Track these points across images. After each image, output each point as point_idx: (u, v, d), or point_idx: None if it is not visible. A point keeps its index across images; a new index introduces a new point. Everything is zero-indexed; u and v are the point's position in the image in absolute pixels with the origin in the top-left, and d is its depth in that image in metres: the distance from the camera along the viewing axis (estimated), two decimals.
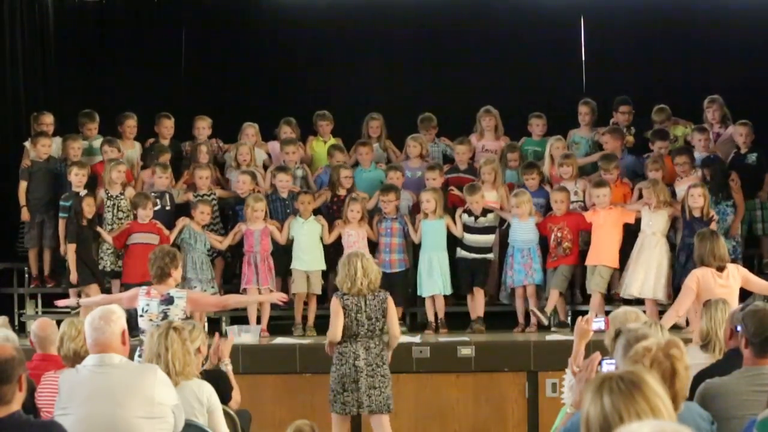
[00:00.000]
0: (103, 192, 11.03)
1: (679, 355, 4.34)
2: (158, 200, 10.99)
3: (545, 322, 10.47)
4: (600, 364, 4.65)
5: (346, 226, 10.78)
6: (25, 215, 11.24)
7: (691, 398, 5.11)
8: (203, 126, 11.89)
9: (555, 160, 11.29)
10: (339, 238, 10.84)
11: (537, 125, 11.88)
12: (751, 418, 4.63)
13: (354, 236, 10.74)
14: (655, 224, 10.39)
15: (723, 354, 6.14)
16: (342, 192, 11.12)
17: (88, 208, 10.55)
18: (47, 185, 11.20)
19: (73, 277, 10.48)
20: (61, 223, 10.86)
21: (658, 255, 10.36)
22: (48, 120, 11.60)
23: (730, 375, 5.20)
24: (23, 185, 11.21)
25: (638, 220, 10.59)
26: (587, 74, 13.37)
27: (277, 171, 11.20)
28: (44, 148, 11.23)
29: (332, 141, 11.99)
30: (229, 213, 11.27)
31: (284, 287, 11.14)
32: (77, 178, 10.83)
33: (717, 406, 4.99)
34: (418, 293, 10.83)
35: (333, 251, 10.80)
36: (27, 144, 11.51)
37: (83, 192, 10.71)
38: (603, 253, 10.55)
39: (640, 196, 10.79)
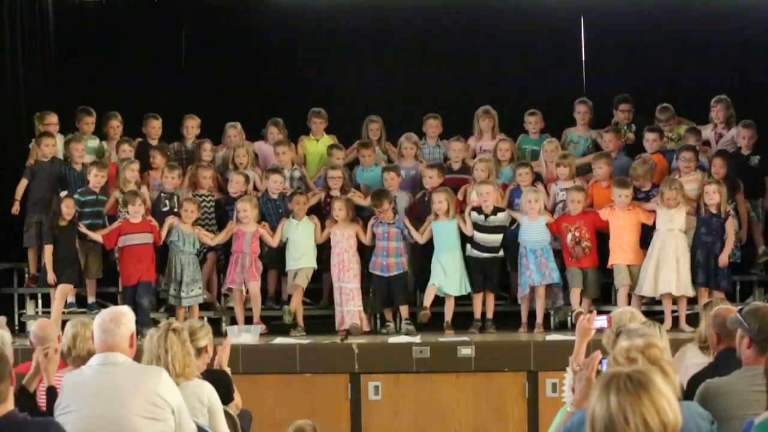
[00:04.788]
0: (118, 192, 11.01)
1: (660, 354, 4.35)
2: (167, 201, 10.98)
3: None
4: (600, 363, 4.64)
5: (333, 226, 10.78)
6: (15, 208, 11.21)
7: (691, 398, 5.10)
8: (192, 125, 11.88)
9: (547, 162, 11.27)
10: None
11: (532, 123, 11.83)
12: (750, 418, 4.62)
13: (339, 236, 10.76)
14: (676, 221, 10.37)
15: (714, 355, 6.12)
16: (335, 192, 11.11)
17: (67, 209, 10.47)
18: (48, 186, 11.17)
19: (50, 277, 10.42)
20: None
21: (683, 251, 10.36)
22: (53, 120, 11.60)
23: (730, 375, 5.18)
24: (23, 182, 11.20)
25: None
26: (587, 74, 13.37)
27: (270, 172, 11.19)
28: (48, 148, 11.21)
29: (326, 140, 11.97)
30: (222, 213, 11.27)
31: (278, 287, 11.17)
32: (96, 179, 10.82)
33: (717, 406, 4.98)
34: (442, 292, 10.71)
35: (321, 250, 10.87)
36: (32, 144, 11.51)
37: (63, 193, 10.68)
38: (628, 253, 10.54)
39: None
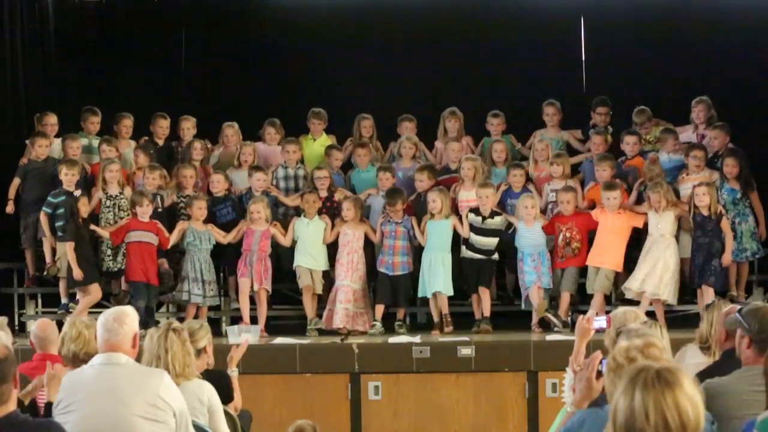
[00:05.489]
0: (101, 192, 11.01)
1: (659, 353, 4.36)
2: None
3: (559, 325, 10.42)
4: (601, 363, 4.64)
5: (343, 226, 10.78)
6: (10, 208, 11.20)
7: None
8: (188, 126, 11.86)
9: (538, 162, 11.28)
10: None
11: (495, 124, 11.82)
12: (750, 418, 4.62)
13: (349, 235, 10.79)
14: (663, 226, 10.38)
15: (719, 355, 6.12)
16: (323, 193, 11.11)
17: (84, 208, 10.51)
18: (43, 185, 11.15)
19: (77, 273, 10.40)
20: (43, 217, 10.79)
21: (667, 256, 10.35)
22: (52, 120, 11.59)
23: (730, 375, 5.18)
24: (16, 182, 11.21)
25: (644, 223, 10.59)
26: (587, 74, 13.37)
27: (254, 170, 11.19)
28: (41, 148, 11.21)
29: (323, 140, 11.97)
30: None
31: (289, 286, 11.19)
32: (67, 177, 10.77)
33: (717, 406, 4.98)
34: (420, 294, 10.79)
35: (330, 249, 10.89)
36: (28, 142, 11.52)
37: (78, 192, 10.69)
38: (607, 256, 10.53)
39: (639, 197, 10.79)
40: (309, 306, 10.79)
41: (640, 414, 3.20)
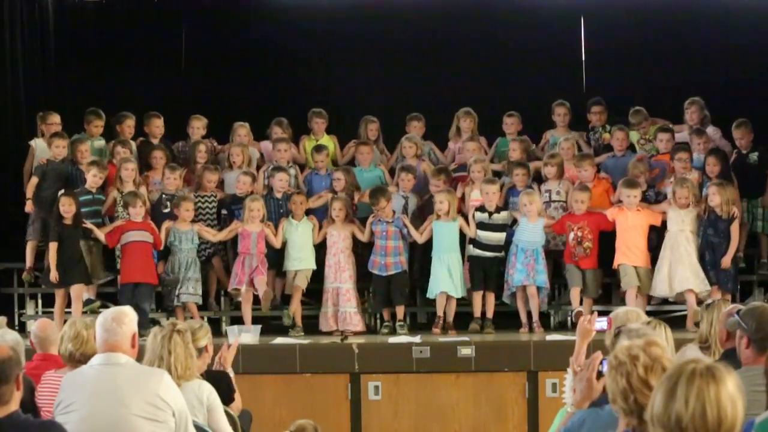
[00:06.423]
0: (116, 192, 11.01)
1: (661, 352, 4.38)
2: (168, 203, 10.97)
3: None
4: (601, 363, 4.64)
5: (330, 227, 10.79)
6: (29, 207, 11.18)
7: None
8: (198, 126, 11.86)
9: (566, 159, 11.26)
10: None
11: (509, 124, 11.85)
12: (750, 418, 4.62)
13: (335, 236, 10.79)
14: (686, 222, 10.41)
15: (720, 355, 6.12)
16: (341, 194, 11.11)
17: (63, 207, 10.48)
18: (57, 185, 11.13)
19: (53, 275, 10.41)
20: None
21: (694, 252, 10.39)
22: (56, 119, 11.59)
23: None
24: (34, 181, 11.12)
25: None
26: (587, 74, 13.38)
27: (275, 171, 11.19)
28: (58, 149, 11.18)
29: (326, 140, 11.97)
30: (223, 213, 11.23)
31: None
32: (95, 179, 10.82)
33: None
34: (428, 295, 10.77)
35: (319, 250, 10.90)
36: (32, 143, 11.52)
37: (61, 192, 10.69)
38: (636, 254, 10.51)
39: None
40: (297, 310, 10.81)
41: (680, 399, 3.22)
